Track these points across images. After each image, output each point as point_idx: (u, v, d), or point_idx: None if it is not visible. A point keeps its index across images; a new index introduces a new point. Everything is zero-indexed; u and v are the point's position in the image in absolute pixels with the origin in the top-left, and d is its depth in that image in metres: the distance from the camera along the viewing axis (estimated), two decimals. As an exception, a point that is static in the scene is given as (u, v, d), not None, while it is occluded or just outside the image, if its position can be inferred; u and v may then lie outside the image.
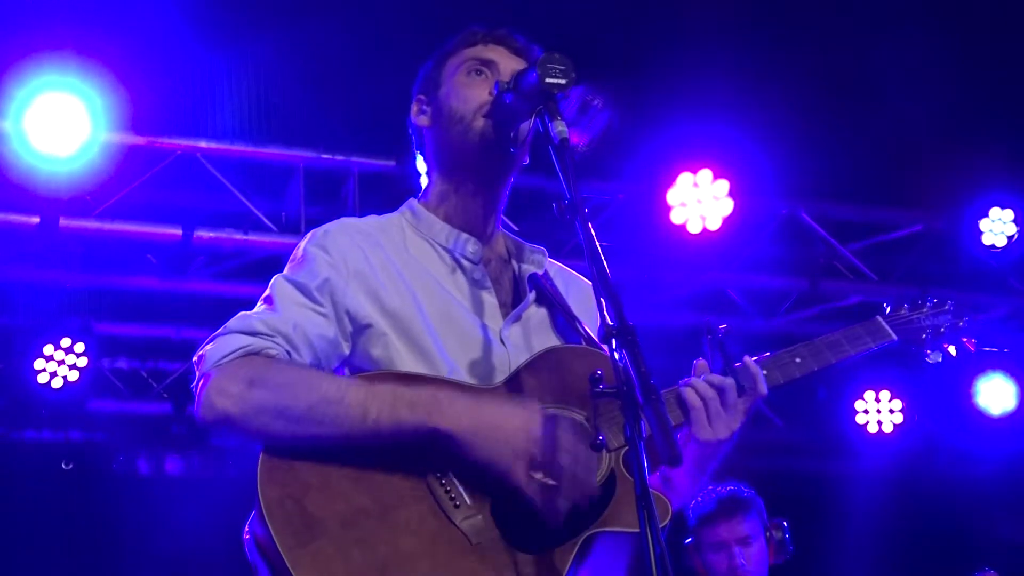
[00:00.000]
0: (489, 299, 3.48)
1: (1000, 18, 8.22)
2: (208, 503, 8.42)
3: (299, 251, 3.45)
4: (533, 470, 3.10)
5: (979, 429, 10.05)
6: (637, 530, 2.77)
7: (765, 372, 3.50)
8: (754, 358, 3.52)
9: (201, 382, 3.20)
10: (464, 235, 3.52)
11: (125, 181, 7.73)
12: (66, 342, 8.25)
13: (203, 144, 7.95)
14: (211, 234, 7.90)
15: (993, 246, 9.02)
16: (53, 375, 8.24)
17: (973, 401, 10.05)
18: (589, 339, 3.44)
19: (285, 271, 3.41)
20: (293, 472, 3.11)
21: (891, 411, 10.03)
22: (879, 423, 10.03)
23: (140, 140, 7.74)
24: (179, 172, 7.95)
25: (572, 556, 3.13)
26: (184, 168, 7.94)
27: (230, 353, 3.20)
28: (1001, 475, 10.42)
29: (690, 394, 3.38)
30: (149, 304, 8.70)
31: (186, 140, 7.90)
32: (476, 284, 3.49)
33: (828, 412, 10.19)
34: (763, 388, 3.45)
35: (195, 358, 3.27)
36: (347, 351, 3.35)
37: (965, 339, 4.01)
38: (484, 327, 3.42)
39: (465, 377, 3.32)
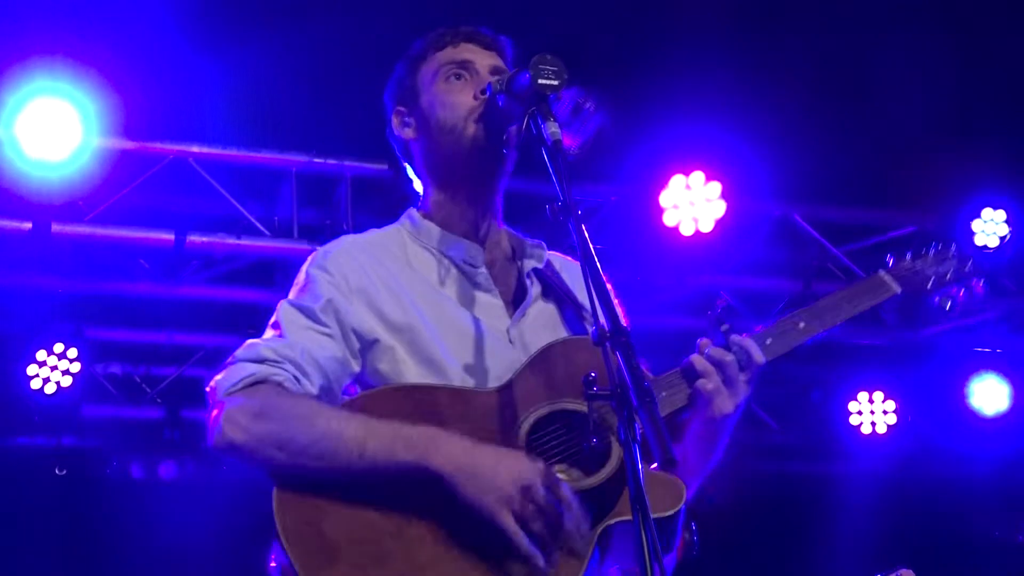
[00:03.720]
0: (494, 301, 3.49)
1: (992, 19, 8.23)
2: (202, 508, 8.43)
3: (301, 275, 3.48)
4: (520, 520, 3.07)
5: (972, 430, 10.07)
6: (654, 515, 2.82)
7: (768, 341, 3.47)
8: (755, 333, 3.49)
9: (213, 412, 3.25)
10: (463, 241, 3.53)
11: (117, 186, 7.72)
12: (59, 347, 8.25)
13: (195, 149, 7.95)
14: (204, 239, 7.89)
15: (985, 247, 9.02)
16: (46, 380, 8.24)
17: (966, 402, 10.07)
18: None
19: (290, 295, 3.45)
20: (306, 499, 3.15)
21: (884, 412, 10.04)
22: (873, 424, 10.03)
23: (132, 145, 7.73)
24: (171, 177, 7.94)
25: (590, 551, 3.13)
26: (176, 173, 7.93)
27: (239, 382, 3.25)
28: (994, 476, 10.43)
29: (698, 363, 3.37)
30: (142, 309, 8.69)
31: (178, 145, 7.90)
32: (479, 288, 3.50)
33: (822, 413, 10.21)
34: (760, 358, 3.42)
35: (207, 388, 3.31)
36: (357, 368, 3.38)
37: (973, 281, 3.90)
38: (491, 329, 3.42)
39: (471, 381, 3.33)
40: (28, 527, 8.71)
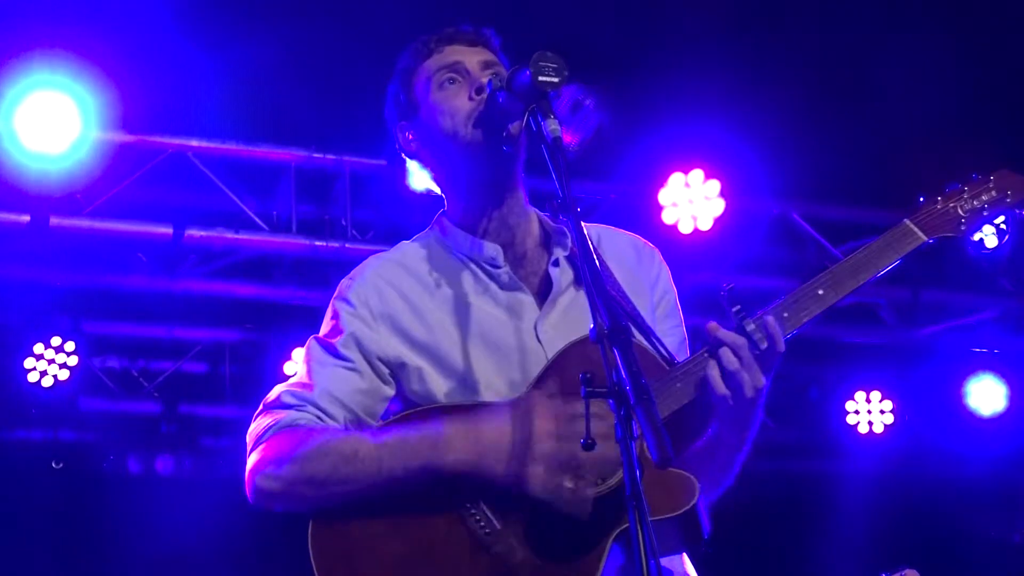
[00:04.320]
0: (523, 298, 3.49)
1: (990, 19, 8.22)
2: (198, 503, 8.42)
3: (329, 308, 3.56)
4: (549, 473, 3.13)
5: (969, 430, 10.08)
6: (669, 514, 2.92)
7: (785, 315, 3.36)
8: (771, 305, 3.36)
9: (247, 467, 3.38)
10: (485, 242, 3.53)
11: (116, 180, 7.71)
12: (56, 341, 8.25)
13: (194, 143, 7.95)
14: (202, 233, 7.88)
15: (984, 247, 9.02)
16: (43, 374, 8.24)
17: (963, 402, 10.07)
18: (629, 313, 3.43)
19: (320, 330, 3.55)
20: (338, 533, 3.25)
21: (882, 412, 10.05)
22: (870, 423, 10.04)
23: (131, 138, 7.73)
24: (170, 171, 7.94)
25: (604, 555, 3.15)
26: (175, 167, 7.93)
27: (265, 431, 3.38)
28: (991, 476, 10.43)
29: (714, 369, 3.26)
30: (140, 303, 8.69)
31: (177, 139, 7.90)
32: (507, 287, 3.50)
33: (819, 412, 10.21)
34: (781, 346, 3.29)
35: (247, 439, 3.44)
36: (391, 392, 3.46)
37: (1017, 210, 3.60)
38: (518, 329, 3.44)
39: (502, 389, 3.36)
40: (25, 521, 8.71)
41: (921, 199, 3.58)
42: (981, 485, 10.45)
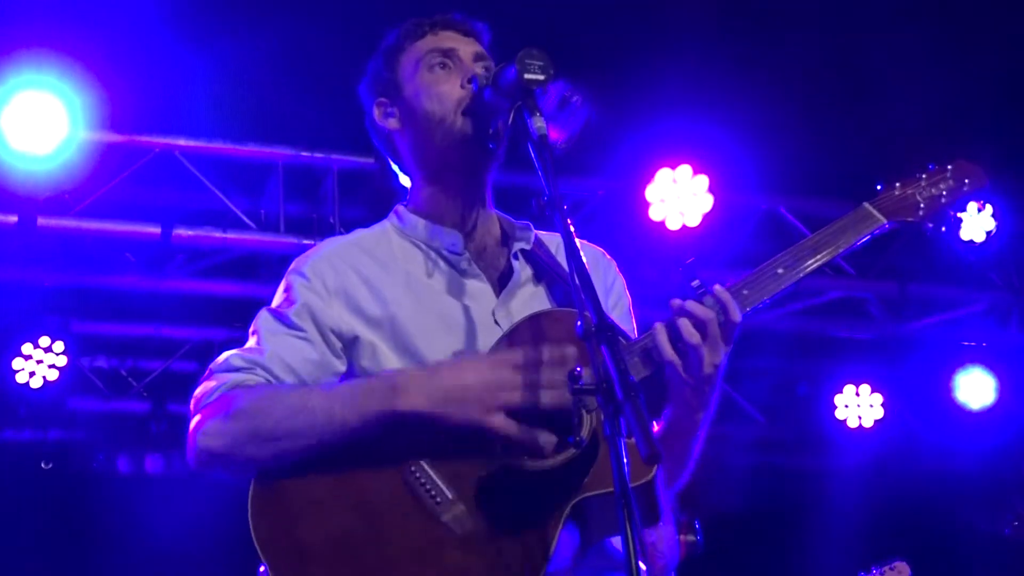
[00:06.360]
0: (480, 285, 3.47)
1: (980, 16, 8.24)
2: (188, 502, 8.41)
3: (282, 283, 3.51)
4: (507, 408, 3.08)
5: (959, 424, 10.08)
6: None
7: (745, 292, 3.34)
8: (729, 285, 3.33)
9: (190, 427, 3.27)
10: (446, 229, 3.52)
11: (104, 179, 7.71)
12: (45, 341, 8.23)
13: (182, 142, 7.94)
14: (190, 232, 7.88)
15: (972, 241, 9.04)
16: (32, 374, 8.22)
17: (952, 396, 10.08)
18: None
19: (272, 303, 3.49)
20: (280, 501, 3.16)
21: (871, 406, 10.06)
22: (859, 418, 10.05)
23: (118, 138, 7.73)
24: (158, 170, 7.94)
25: (558, 530, 3.10)
26: (163, 166, 7.93)
27: (210, 393, 3.29)
28: (980, 469, 10.45)
29: (662, 333, 3.22)
30: (128, 302, 8.68)
31: (165, 138, 7.89)
32: (465, 274, 3.48)
33: (808, 407, 10.22)
34: (736, 316, 3.24)
35: (190, 404, 3.34)
36: (342, 367, 3.40)
37: (973, 199, 3.68)
38: (477, 315, 3.41)
39: None
40: (14, 521, 8.70)
41: (879, 186, 3.66)
42: (971, 478, 10.47)
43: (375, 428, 3.13)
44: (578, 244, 3.36)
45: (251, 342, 3.41)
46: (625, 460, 2.67)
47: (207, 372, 3.36)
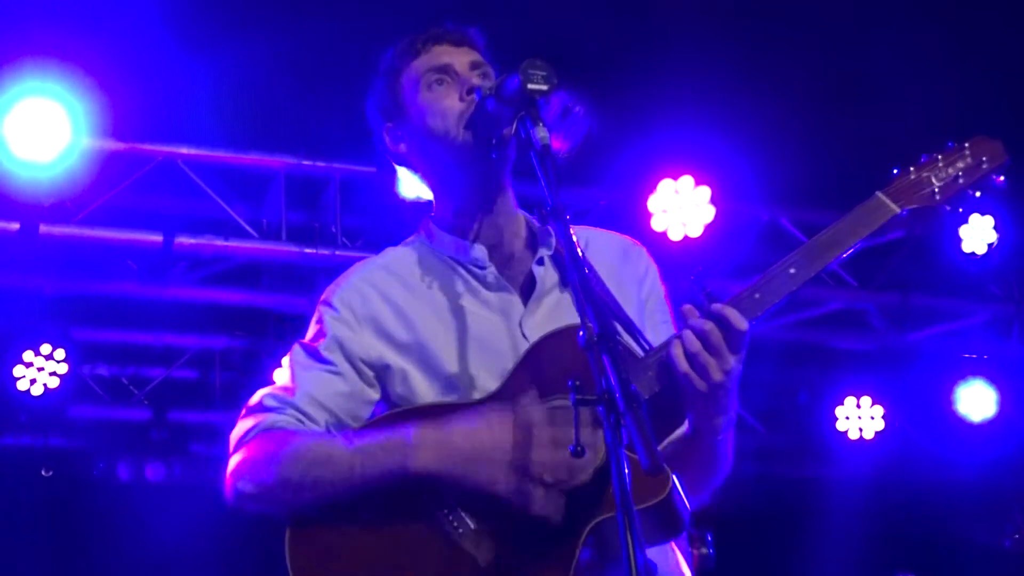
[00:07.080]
0: (508, 297, 3.47)
1: (985, 21, 8.24)
2: (189, 510, 8.40)
3: (315, 314, 3.56)
4: (520, 477, 3.12)
5: (959, 435, 10.07)
6: (643, 504, 2.85)
7: (757, 296, 3.34)
8: (740, 290, 3.34)
9: (228, 468, 3.39)
10: (469, 243, 3.52)
11: (106, 187, 7.71)
12: (46, 348, 8.22)
13: (184, 150, 7.95)
14: (192, 240, 7.88)
15: (973, 253, 9.04)
16: (33, 381, 8.21)
17: (953, 407, 10.07)
18: (616, 312, 3.41)
19: (306, 336, 3.56)
20: (314, 540, 3.25)
21: (872, 417, 10.03)
22: (860, 429, 10.02)
23: (121, 146, 7.73)
24: (160, 178, 7.94)
25: (576, 552, 3.12)
26: (165, 174, 7.93)
27: (246, 434, 3.39)
28: (981, 481, 10.45)
29: (678, 347, 3.23)
30: (129, 310, 8.68)
31: (167, 146, 7.90)
32: (492, 287, 3.49)
33: (809, 418, 10.20)
34: (741, 324, 3.23)
35: (229, 443, 3.46)
36: (376, 396, 3.45)
37: (992, 177, 3.53)
38: (504, 328, 3.43)
39: (491, 386, 3.33)
40: (14, 528, 8.69)
41: (895, 171, 3.53)
42: (971, 491, 10.46)
43: (391, 483, 3.20)
44: (601, 234, 3.55)
45: (285, 376, 3.49)
46: (627, 471, 2.67)
47: (243, 411, 3.45)
